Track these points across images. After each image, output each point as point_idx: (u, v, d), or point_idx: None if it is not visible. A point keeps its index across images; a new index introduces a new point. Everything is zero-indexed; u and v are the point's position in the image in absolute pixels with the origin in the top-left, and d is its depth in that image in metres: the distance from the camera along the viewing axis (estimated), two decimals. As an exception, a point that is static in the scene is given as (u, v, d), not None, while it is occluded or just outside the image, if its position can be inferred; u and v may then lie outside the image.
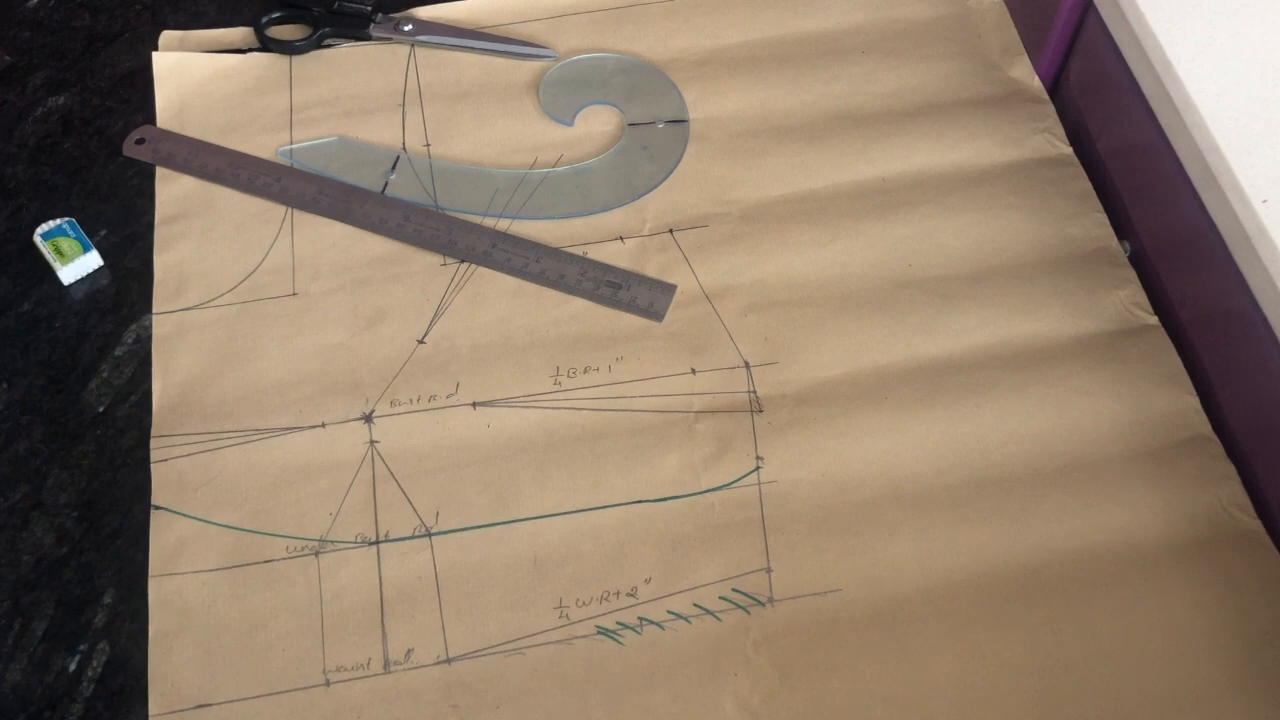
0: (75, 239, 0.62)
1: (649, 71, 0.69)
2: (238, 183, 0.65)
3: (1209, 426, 0.56)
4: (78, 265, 0.62)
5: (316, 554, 0.54)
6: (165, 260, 0.62)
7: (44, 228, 0.63)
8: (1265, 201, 0.52)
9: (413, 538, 0.54)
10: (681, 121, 0.67)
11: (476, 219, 0.64)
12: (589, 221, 0.64)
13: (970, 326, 0.59)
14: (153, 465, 0.56)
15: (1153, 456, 0.55)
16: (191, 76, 0.69)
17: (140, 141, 0.67)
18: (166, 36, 0.71)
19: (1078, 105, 0.67)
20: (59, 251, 0.62)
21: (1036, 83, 0.68)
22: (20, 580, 0.53)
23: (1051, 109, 0.67)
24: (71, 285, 0.62)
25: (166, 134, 0.67)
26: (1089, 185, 0.64)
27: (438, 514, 0.55)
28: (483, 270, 0.62)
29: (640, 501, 0.55)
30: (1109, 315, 0.60)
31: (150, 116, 0.68)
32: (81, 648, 0.52)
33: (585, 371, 0.58)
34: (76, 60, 0.71)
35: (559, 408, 0.57)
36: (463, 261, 0.62)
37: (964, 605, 0.52)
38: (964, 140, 0.66)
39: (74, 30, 0.72)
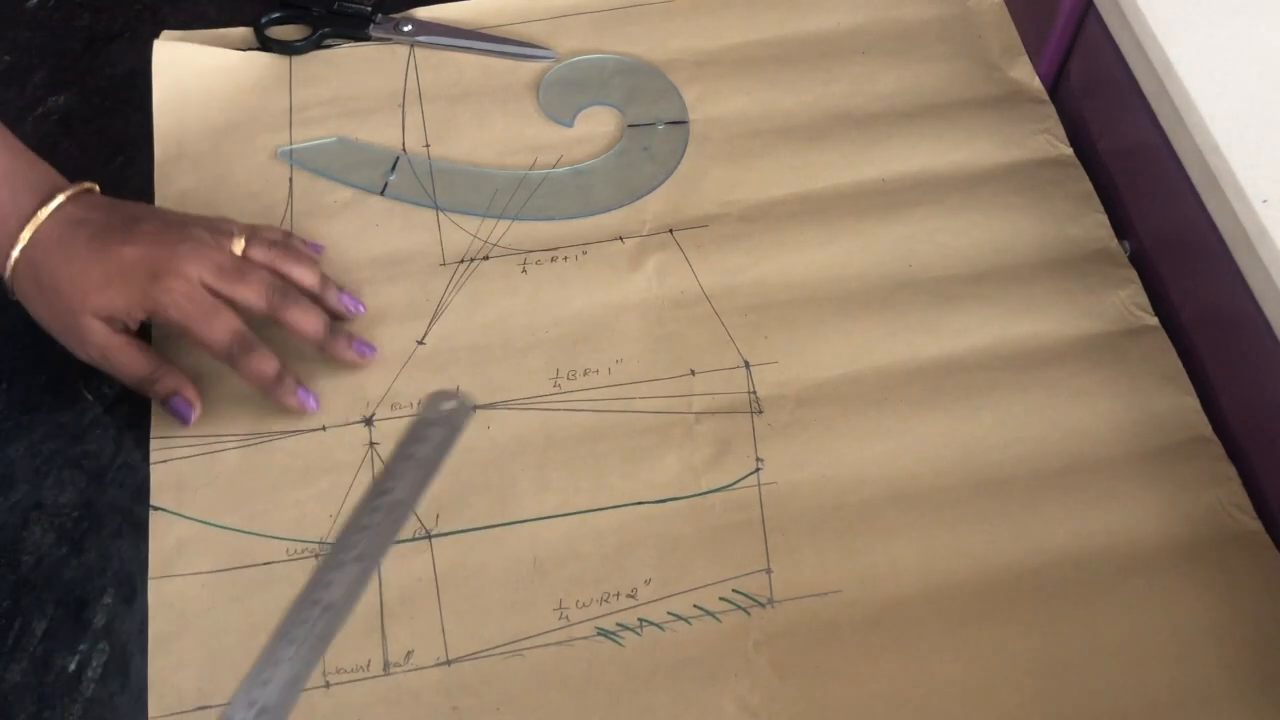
0: (75, 240, 0.62)
1: (649, 72, 0.69)
2: None
3: (1209, 427, 0.56)
4: (77, 266, 0.62)
5: (316, 556, 0.54)
6: (165, 261, 0.62)
7: (44, 228, 0.62)
8: (1265, 201, 0.52)
9: (412, 539, 0.54)
10: (682, 123, 0.67)
11: (473, 223, 0.63)
12: (589, 222, 0.64)
13: (970, 326, 0.59)
14: (152, 466, 0.56)
15: (1153, 457, 0.55)
16: (191, 69, 0.68)
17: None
18: (166, 36, 0.71)
19: (1078, 105, 0.67)
20: (59, 252, 0.61)
21: (1037, 83, 0.68)
22: (20, 580, 0.53)
23: (1052, 109, 0.67)
24: (71, 286, 0.62)
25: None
26: (1089, 186, 0.64)
27: (437, 516, 0.55)
28: (482, 270, 0.62)
29: (640, 503, 0.55)
30: (1109, 316, 0.60)
31: (150, 116, 0.67)
32: (81, 648, 0.52)
33: (585, 373, 0.58)
34: (76, 60, 0.71)
35: (559, 409, 0.57)
36: (460, 261, 0.62)
37: (964, 606, 0.52)
38: (964, 141, 0.66)
39: (74, 30, 0.72)
